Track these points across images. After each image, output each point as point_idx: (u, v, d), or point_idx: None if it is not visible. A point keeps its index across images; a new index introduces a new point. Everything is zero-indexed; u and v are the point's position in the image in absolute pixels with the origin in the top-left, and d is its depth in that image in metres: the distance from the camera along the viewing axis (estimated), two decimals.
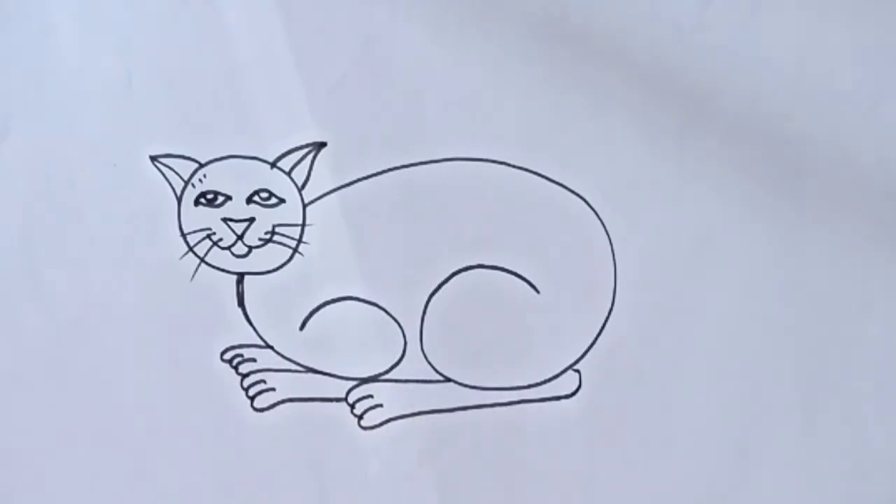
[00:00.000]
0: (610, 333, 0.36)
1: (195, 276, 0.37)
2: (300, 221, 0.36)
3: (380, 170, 0.36)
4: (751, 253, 0.35)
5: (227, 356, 0.37)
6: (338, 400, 0.37)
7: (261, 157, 0.36)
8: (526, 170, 0.36)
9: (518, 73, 0.35)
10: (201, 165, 0.36)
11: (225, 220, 0.36)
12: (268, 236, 0.36)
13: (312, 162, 0.36)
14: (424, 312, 0.37)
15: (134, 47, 0.36)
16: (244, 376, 0.37)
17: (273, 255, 0.37)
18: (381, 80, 0.36)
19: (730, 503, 0.36)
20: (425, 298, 0.36)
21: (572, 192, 0.36)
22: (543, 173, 0.36)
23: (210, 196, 0.36)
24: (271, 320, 0.37)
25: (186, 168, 0.36)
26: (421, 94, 0.36)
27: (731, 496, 0.36)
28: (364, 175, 0.36)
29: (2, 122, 0.36)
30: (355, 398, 0.37)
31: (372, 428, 0.37)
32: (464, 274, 0.36)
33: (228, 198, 0.36)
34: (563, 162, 0.36)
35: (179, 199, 0.36)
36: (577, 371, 0.37)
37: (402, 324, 0.37)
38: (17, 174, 0.37)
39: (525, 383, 0.37)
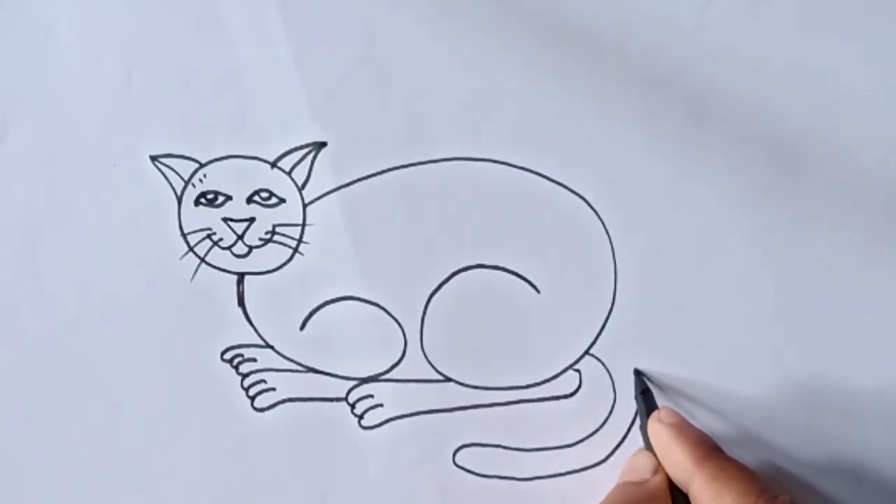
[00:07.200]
0: (610, 333, 0.36)
1: (195, 276, 0.37)
2: (300, 221, 0.36)
3: (380, 170, 0.36)
4: (751, 253, 0.35)
5: (228, 356, 0.37)
6: (338, 400, 0.37)
7: (261, 157, 0.36)
8: (526, 170, 0.36)
9: (518, 73, 0.35)
10: (201, 165, 0.36)
11: (225, 219, 0.36)
12: (268, 236, 0.36)
13: (313, 162, 0.36)
14: (424, 312, 0.37)
15: (134, 47, 0.36)
16: (244, 376, 0.37)
17: (273, 254, 0.37)
18: (381, 80, 0.36)
19: None
20: (425, 298, 0.37)
21: (572, 191, 0.36)
22: (543, 173, 0.36)
23: (210, 196, 0.36)
24: (271, 320, 0.37)
25: (186, 168, 0.36)
26: (421, 94, 0.36)
27: None
28: (364, 175, 0.36)
29: (2, 122, 0.36)
30: (355, 398, 0.37)
31: (372, 428, 0.37)
32: (464, 274, 0.36)
33: (229, 198, 0.36)
34: (563, 162, 0.36)
35: (179, 199, 0.36)
36: (578, 371, 0.37)
37: (402, 324, 0.37)
38: (17, 174, 0.37)
39: (525, 383, 0.37)
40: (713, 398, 0.36)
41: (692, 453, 0.32)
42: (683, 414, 0.34)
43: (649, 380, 0.36)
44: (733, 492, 0.30)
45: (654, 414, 0.34)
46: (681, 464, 0.32)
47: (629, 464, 0.35)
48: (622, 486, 0.34)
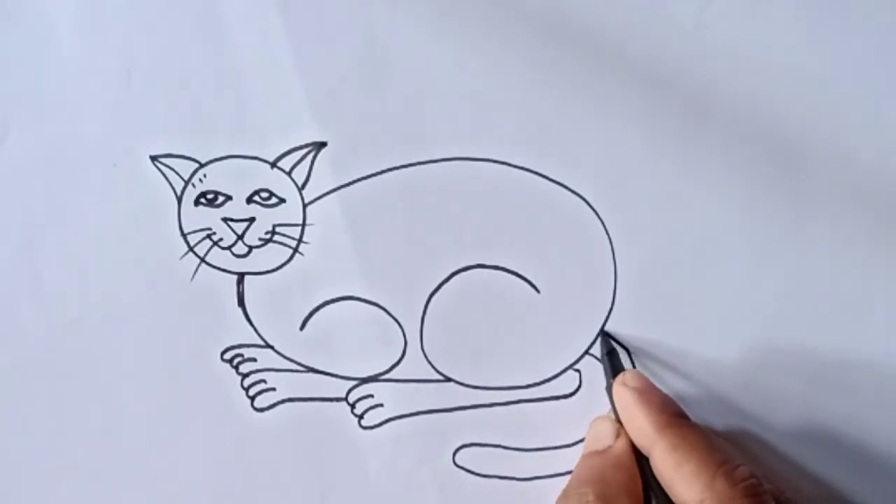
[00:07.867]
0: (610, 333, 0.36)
1: (195, 276, 0.37)
2: (300, 221, 0.36)
3: (380, 170, 0.36)
4: (751, 253, 0.35)
5: (228, 356, 0.37)
6: (338, 400, 0.37)
7: (261, 157, 0.36)
8: (526, 170, 0.36)
9: (518, 73, 0.35)
10: (201, 165, 0.36)
11: (225, 219, 0.36)
12: (268, 236, 0.36)
13: (312, 162, 0.36)
14: (424, 312, 0.37)
15: (134, 47, 0.36)
16: (244, 376, 0.37)
17: (273, 254, 0.37)
18: (381, 80, 0.36)
19: None
20: (425, 298, 0.37)
21: (572, 191, 0.36)
22: (543, 173, 0.36)
23: (210, 196, 0.36)
24: (271, 320, 0.37)
25: (186, 168, 0.36)
26: (421, 94, 0.36)
27: None
28: (364, 175, 0.36)
29: (2, 122, 0.36)
30: (355, 398, 0.37)
31: (372, 428, 0.37)
32: (464, 274, 0.36)
33: (229, 198, 0.36)
34: (563, 162, 0.36)
35: (179, 199, 0.36)
36: (578, 371, 0.37)
37: (402, 324, 0.37)
38: (17, 174, 0.37)
39: (525, 383, 0.37)
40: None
41: (655, 420, 0.31)
42: (651, 377, 0.34)
43: (616, 342, 0.36)
44: (693, 462, 0.29)
45: (619, 377, 0.34)
46: (643, 430, 0.32)
47: (591, 432, 0.35)
48: (586, 458, 0.34)
